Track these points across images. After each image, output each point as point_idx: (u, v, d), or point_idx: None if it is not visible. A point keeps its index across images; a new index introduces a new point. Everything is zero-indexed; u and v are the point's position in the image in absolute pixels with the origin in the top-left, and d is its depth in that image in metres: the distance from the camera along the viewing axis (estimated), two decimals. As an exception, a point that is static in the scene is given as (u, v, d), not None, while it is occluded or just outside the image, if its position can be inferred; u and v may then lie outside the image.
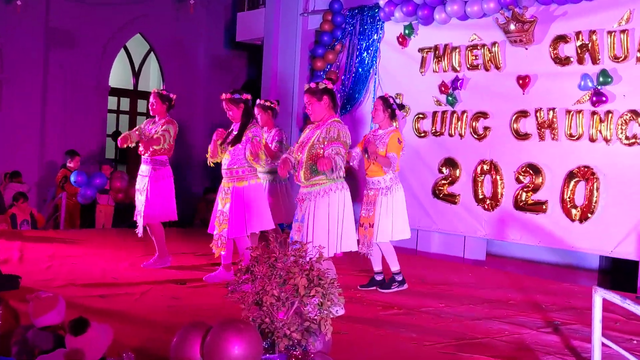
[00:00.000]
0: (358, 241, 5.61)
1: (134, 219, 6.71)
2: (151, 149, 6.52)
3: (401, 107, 6.41)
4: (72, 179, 10.27)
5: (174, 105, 6.78)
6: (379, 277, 6.12)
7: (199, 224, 12.05)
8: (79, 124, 12.39)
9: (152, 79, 14.37)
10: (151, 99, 6.69)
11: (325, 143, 4.89)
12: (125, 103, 13.74)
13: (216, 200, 6.00)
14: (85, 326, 3.13)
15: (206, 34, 13.92)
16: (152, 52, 13.79)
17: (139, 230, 6.63)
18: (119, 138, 6.63)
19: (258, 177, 5.96)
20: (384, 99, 6.10)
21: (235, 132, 5.96)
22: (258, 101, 7.03)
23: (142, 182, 6.65)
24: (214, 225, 5.97)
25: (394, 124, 6.12)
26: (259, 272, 3.20)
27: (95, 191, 10.32)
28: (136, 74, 13.85)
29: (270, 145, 6.80)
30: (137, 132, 6.71)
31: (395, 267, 6.03)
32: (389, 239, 5.93)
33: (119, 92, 13.53)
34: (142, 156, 6.67)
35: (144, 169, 6.68)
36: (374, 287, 6.08)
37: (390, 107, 6.06)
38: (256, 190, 5.90)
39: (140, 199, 6.62)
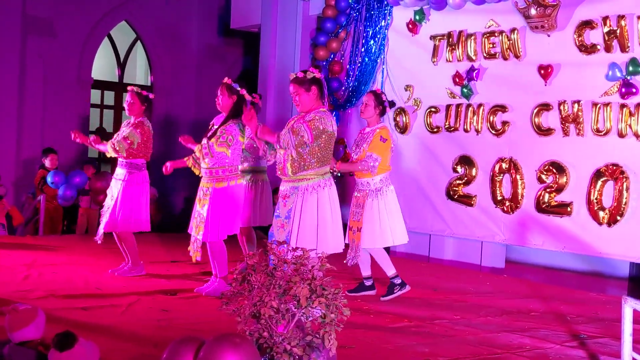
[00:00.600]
0: (346, 245, 5.69)
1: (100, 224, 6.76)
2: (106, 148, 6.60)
3: (392, 104, 6.49)
4: (49, 179, 10.27)
5: (150, 103, 6.87)
6: (368, 282, 6.25)
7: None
8: (59, 119, 12.39)
9: (138, 71, 14.36)
10: (129, 98, 6.73)
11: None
12: (109, 97, 13.74)
13: (195, 202, 6.04)
14: (73, 341, 3.14)
15: (198, 21, 13.92)
16: (138, 41, 13.78)
17: (98, 237, 6.73)
18: (75, 133, 6.66)
19: (240, 178, 5.98)
20: (376, 94, 6.17)
21: (215, 126, 6.02)
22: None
23: (115, 186, 6.72)
24: (192, 226, 6.01)
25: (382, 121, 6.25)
26: (256, 282, 3.21)
27: (75, 191, 10.31)
28: (121, 65, 13.84)
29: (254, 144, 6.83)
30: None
31: (390, 271, 6.13)
32: (377, 244, 6.01)
33: (102, 85, 13.53)
34: (119, 159, 6.73)
35: (118, 172, 6.74)
36: (364, 293, 6.19)
37: (382, 104, 6.14)
38: (236, 192, 5.92)
39: (108, 203, 6.69)
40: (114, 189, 6.70)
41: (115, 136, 6.76)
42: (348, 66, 9.77)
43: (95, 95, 13.30)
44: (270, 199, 7.01)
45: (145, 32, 13.58)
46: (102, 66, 13.66)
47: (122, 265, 6.83)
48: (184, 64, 13.70)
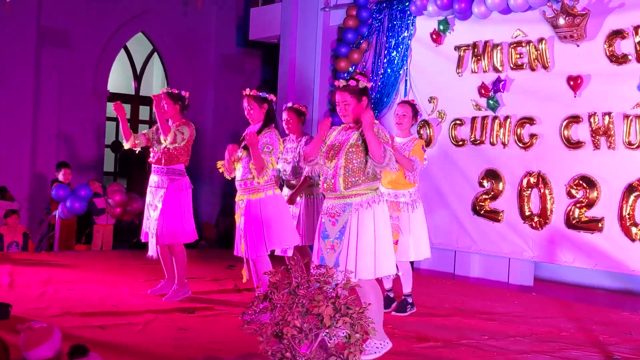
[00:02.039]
0: None
1: (143, 238, 6.62)
2: (166, 143, 6.36)
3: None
4: (53, 193, 10.29)
5: (187, 106, 6.68)
6: (411, 299, 6.34)
7: (204, 244, 12.12)
8: (75, 132, 12.51)
9: (155, 83, 14.48)
10: (162, 101, 6.52)
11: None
12: (125, 110, 13.83)
13: (236, 218, 5.87)
14: (85, 352, 3.15)
15: (216, 32, 14.02)
16: (155, 53, 13.91)
17: (152, 253, 6.51)
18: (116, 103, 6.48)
19: (277, 188, 5.86)
20: (413, 105, 6.24)
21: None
22: (289, 104, 6.99)
23: (155, 195, 6.48)
24: (238, 246, 5.84)
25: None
26: (278, 300, 3.20)
27: (84, 202, 10.32)
28: (138, 78, 13.97)
29: (298, 159, 6.80)
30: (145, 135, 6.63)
31: (409, 288, 6.26)
32: (409, 258, 6.10)
33: (118, 98, 13.61)
34: (154, 165, 6.54)
35: (156, 179, 6.52)
36: (411, 312, 6.27)
37: (417, 115, 6.25)
38: (275, 202, 5.78)
39: (153, 216, 6.47)
40: (155, 199, 6.48)
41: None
42: (370, 78, 9.76)
43: (111, 108, 13.39)
44: None
45: (162, 44, 13.69)
46: (118, 78, 13.78)
47: (161, 284, 6.64)
48: (202, 75, 13.80)
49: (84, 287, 6.84)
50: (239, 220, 5.77)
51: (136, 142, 6.62)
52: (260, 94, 5.87)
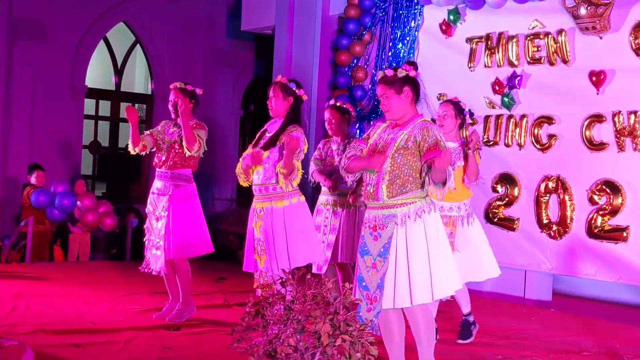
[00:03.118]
0: None
1: (146, 252, 6.42)
2: (191, 153, 6.19)
3: (471, 114, 6.35)
4: (33, 198, 10.31)
5: (199, 104, 6.55)
6: (471, 318, 6.17)
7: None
8: (49, 132, 12.50)
9: (138, 78, 14.49)
10: (171, 97, 6.41)
11: (425, 151, 4.52)
12: (105, 107, 13.86)
13: (248, 228, 5.74)
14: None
15: (205, 22, 14.04)
16: (138, 45, 13.91)
17: (157, 267, 6.28)
18: (128, 107, 6.30)
19: (302, 195, 5.67)
20: (455, 103, 6.00)
21: (270, 133, 5.67)
22: (331, 102, 6.89)
23: (158, 203, 6.33)
24: (251, 260, 5.68)
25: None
26: (271, 316, 3.21)
27: (65, 208, 10.34)
28: (119, 72, 13.97)
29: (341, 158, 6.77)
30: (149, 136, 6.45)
31: (468, 307, 6.12)
32: (465, 278, 5.82)
33: (97, 94, 13.65)
34: (158, 169, 6.38)
35: (159, 186, 6.35)
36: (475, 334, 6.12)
37: (462, 114, 5.98)
38: (301, 212, 5.63)
39: (157, 227, 6.32)
40: (158, 207, 6.33)
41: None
42: (373, 72, 9.79)
43: (89, 106, 13.41)
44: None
45: (145, 35, 13.70)
46: (97, 73, 13.79)
47: (166, 307, 6.46)
48: (189, 70, 13.79)
49: (58, 301, 6.84)
50: (257, 229, 5.61)
51: (144, 144, 6.39)
52: (290, 84, 5.68)
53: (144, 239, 6.45)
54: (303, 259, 5.56)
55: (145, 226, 6.48)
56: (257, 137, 5.75)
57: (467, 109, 6.04)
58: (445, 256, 4.59)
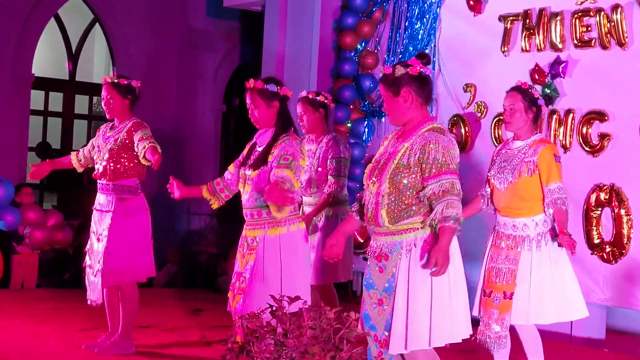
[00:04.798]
0: (476, 321, 5.42)
1: (86, 278, 6.57)
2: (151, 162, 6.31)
3: (548, 99, 6.26)
4: None
5: (139, 97, 6.72)
6: None
7: (170, 269, 12.11)
8: (-12, 131, 12.49)
9: (97, 64, 14.51)
10: (103, 93, 6.62)
11: (427, 174, 4.56)
12: (56, 100, 13.86)
13: (236, 259, 5.75)
14: None
15: (179, -3, 14.04)
16: (97, 24, 13.92)
17: (94, 297, 6.45)
18: (31, 172, 6.68)
19: (301, 221, 5.71)
20: (525, 92, 5.89)
21: (260, 147, 5.68)
22: (302, 94, 7.04)
23: (101, 220, 6.52)
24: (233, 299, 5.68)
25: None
26: (259, 354, 3.20)
27: (7, 223, 10.31)
28: (73, 57, 13.97)
29: (317, 166, 6.82)
30: (80, 158, 6.74)
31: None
32: (529, 319, 5.73)
33: (47, 84, 13.65)
34: (98, 181, 6.57)
35: (102, 200, 6.56)
36: None
37: (535, 104, 5.88)
38: (299, 242, 5.63)
39: (97, 247, 6.49)
40: (101, 225, 6.51)
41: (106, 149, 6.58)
42: (386, 57, 9.78)
43: (36, 99, 13.39)
44: (352, 241, 7.02)
45: (106, 12, 13.69)
46: (47, 58, 13.79)
47: (102, 339, 6.61)
48: (161, 55, 13.79)
49: (-2, 337, 6.83)
50: (242, 262, 5.61)
51: (82, 162, 6.70)
52: (268, 86, 5.66)
53: (83, 263, 6.62)
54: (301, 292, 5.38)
55: (86, 248, 6.62)
56: (245, 154, 5.77)
57: (540, 97, 5.92)
58: (456, 294, 4.61)
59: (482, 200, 6.08)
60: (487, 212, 6.11)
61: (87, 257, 6.62)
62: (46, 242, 11.14)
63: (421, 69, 4.74)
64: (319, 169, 6.87)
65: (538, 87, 8.46)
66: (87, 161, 6.77)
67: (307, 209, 6.86)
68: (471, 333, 4.78)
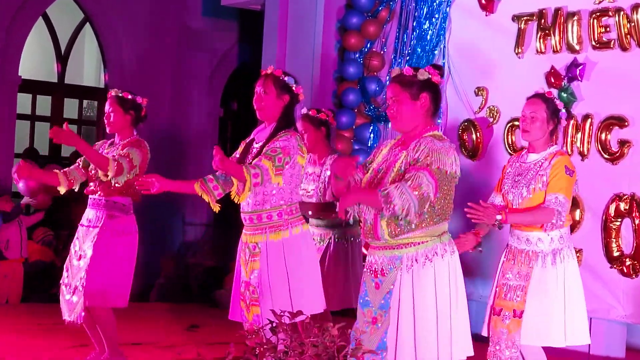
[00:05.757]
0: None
1: (60, 296, 6.60)
2: (108, 178, 6.38)
3: (569, 114, 6.22)
4: None
5: (145, 117, 6.79)
6: None
7: (163, 283, 12.11)
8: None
9: (87, 66, 14.49)
10: (106, 107, 6.67)
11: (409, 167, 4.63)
12: (44, 104, 13.85)
13: (236, 266, 5.78)
14: None
15: (175, -5, 14.04)
16: (88, 24, 13.91)
17: (71, 317, 6.49)
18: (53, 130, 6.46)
19: (305, 223, 5.74)
20: (549, 101, 5.87)
21: (258, 143, 5.73)
22: (303, 111, 7.07)
23: (86, 237, 6.56)
24: (236, 308, 5.74)
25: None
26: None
27: None
28: (62, 59, 13.98)
29: (324, 190, 6.85)
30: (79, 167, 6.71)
31: None
32: (539, 341, 5.73)
33: (35, 87, 13.65)
34: (91, 196, 6.61)
35: (90, 216, 6.60)
36: None
37: (557, 115, 5.85)
38: (304, 245, 5.66)
39: (77, 265, 6.52)
40: (85, 242, 6.54)
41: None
42: (393, 59, 9.78)
43: (23, 102, 13.39)
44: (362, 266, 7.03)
45: (97, 11, 13.69)
46: (35, 60, 13.78)
47: (92, 355, 6.66)
48: (155, 56, 13.78)
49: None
50: (246, 270, 5.64)
51: (70, 179, 6.64)
52: (285, 78, 5.75)
53: (60, 281, 6.64)
54: (308, 307, 5.39)
55: (65, 265, 6.65)
56: (242, 150, 5.79)
57: (562, 109, 5.88)
58: (456, 313, 4.66)
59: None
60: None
61: (64, 274, 6.64)
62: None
63: (438, 79, 4.82)
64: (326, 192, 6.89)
65: (553, 91, 8.47)
66: (76, 180, 6.68)
67: (314, 230, 6.84)
68: (472, 354, 4.81)
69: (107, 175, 6.34)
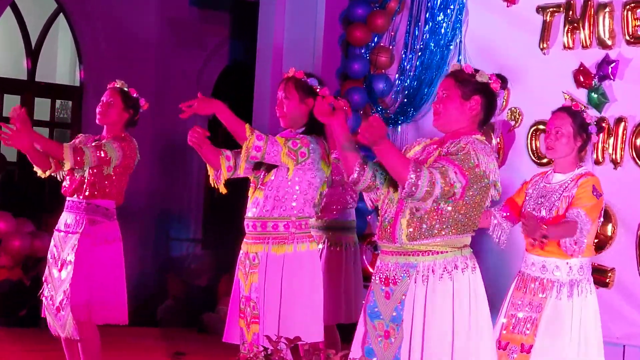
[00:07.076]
0: None
1: (46, 312, 6.59)
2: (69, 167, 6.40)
3: (600, 128, 6.16)
4: None
5: (136, 121, 6.88)
6: None
7: (172, 305, 12.09)
8: None
9: (61, 62, 14.50)
10: (104, 97, 6.69)
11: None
12: (13, 104, 13.82)
13: (235, 281, 5.82)
14: None
15: (158, -16, 14.05)
16: (61, 15, 13.93)
17: (65, 332, 6.46)
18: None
19: (313, 241, 5.79)
20: (574, 113, 5.85)
21: None
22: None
23: (64, 244, 6.55)
24: (233, 328, 5.76)
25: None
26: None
27: None
28: (33, 54, 13.99)
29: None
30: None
31: None
32: None
33: (3, 86, 13.66)
34: (68, 198, 6.60)
35: (69, 220, 6.59)
36: None
37: (586, 130, 5.82)
38: (307, 265, 5.67)
39: (59, 277, 6.51)
40: (64, 249, 6.52)
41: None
42: (403, 55, 9.79)
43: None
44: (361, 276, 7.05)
45: (72, 1, 13.69)
46: (2, 55, 13.79)
47: None
48: (137, 51, 13.78)
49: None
50: (246, 284, 5.68)
51: (57, 160, 6.60)
52: (309, 80, 5.79)
53: (40, 294, 6.65)
54: (309, 335, 5.40)
55: (44, 276, 6.64)
56: None
57: (593, 124, 5.84)
58: (481, 334, 4.64)
59: (496, 230, 5.96)
60: (502, 248, 6.05)
61: (44, 286, 6.64)
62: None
63: (496, 85, 4.83)
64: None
65: (582, 91, 8.48)
66: (57, 167, 6.60)
67: (313, 232, 6.87)
68: None
69: (65, 160, 6.34)
